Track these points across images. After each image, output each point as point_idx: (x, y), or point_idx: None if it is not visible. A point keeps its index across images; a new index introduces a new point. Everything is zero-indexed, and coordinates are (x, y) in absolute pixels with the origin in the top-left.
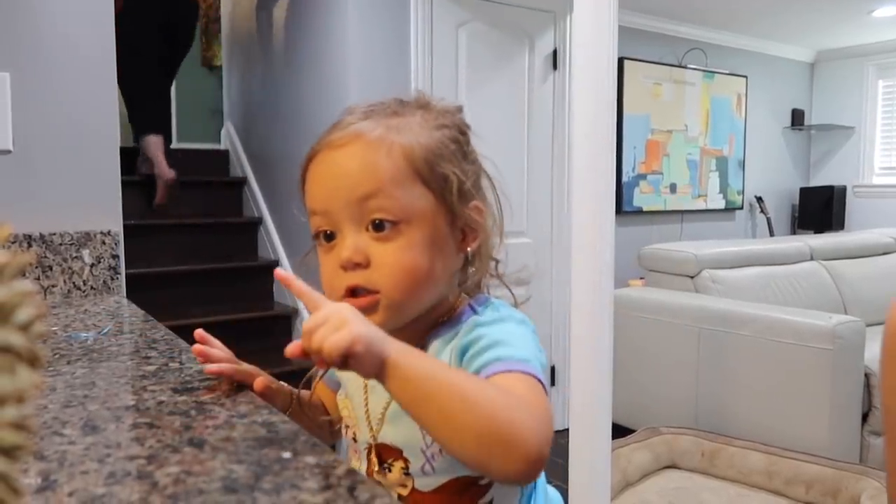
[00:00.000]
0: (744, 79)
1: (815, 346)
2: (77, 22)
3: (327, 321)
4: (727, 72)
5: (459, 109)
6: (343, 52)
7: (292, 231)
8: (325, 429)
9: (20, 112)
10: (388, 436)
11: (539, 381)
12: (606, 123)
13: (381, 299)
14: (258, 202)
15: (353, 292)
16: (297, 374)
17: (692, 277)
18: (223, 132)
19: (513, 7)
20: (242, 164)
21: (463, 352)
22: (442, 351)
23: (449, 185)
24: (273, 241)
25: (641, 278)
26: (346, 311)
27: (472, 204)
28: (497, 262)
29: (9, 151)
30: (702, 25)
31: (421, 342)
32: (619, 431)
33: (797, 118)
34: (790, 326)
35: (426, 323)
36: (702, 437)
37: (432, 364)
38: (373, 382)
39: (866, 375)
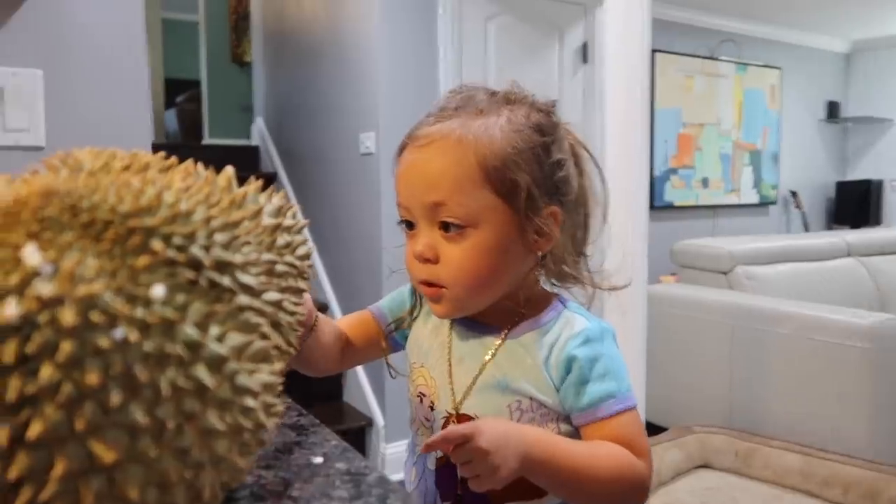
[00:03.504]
0: (778, 70)
1: (854, 344)
2: (108, 18)
3: (485, 458)
4: (761, 63)
5: (549, 106)
6: (371, 45)
7: (323, 226)
8: (330, 354)
9: (53, 109)
10: (474, 407)
11: (637, 409)
12: (640, 118)
13: (445, 293)
14: (289, 198)
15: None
16: None
17: (726, 274)
18: (253, 128)
19: None
20: (273, 160)
21: (569, 362)
22: (538, 342)
23: (518, 192)
24: (304, 236)
25: (673, 274)
26: (500, 457)
27: (546, 210)
28: (585, 256)
29: (41, 148)
30: (735, 16)
31: (508, 326)
32: (651, 429)
33: (833, 110)
34: (827, 324)
35: (509, 310)
36: (736, 437)
37: (559, 473)
38: (460, 354)
39: None
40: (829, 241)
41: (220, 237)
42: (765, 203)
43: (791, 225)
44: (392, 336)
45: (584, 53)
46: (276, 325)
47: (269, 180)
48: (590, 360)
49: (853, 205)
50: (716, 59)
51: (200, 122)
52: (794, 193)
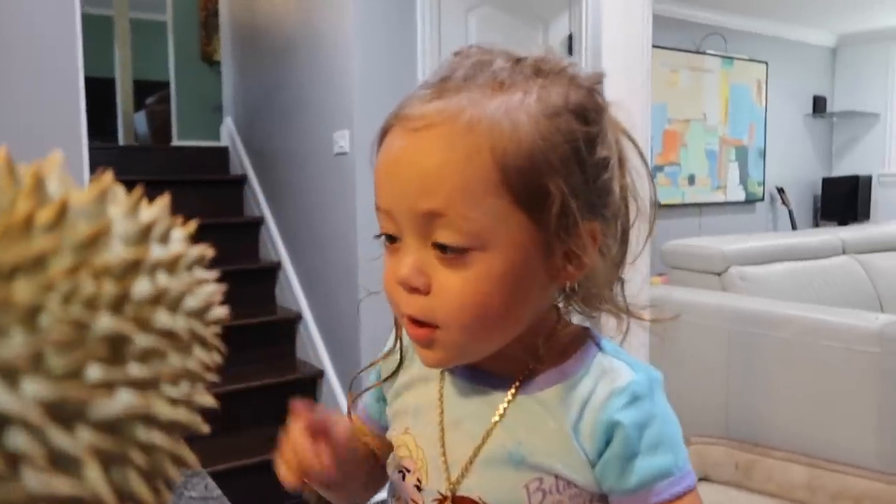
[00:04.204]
0: (764, 65)
1: (860, 348)
2: (37, 13)
3: None
4: (747, 58)
5: (595, 80)
6: (345, 39)
7: (295, 231)
8: (360, 476)
9: None
10: (476, 488)
11: (696, 487)
12: (641, 114)
13: (439, 335)
14: (259, 200)
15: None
16: (301, 382)
17: (719, 275)
18: (223, 128)
19: None
20: (243, 161)
21: (611, 428)
22: (563, 400)
23: (548, 203)
24: (275, 241)
25: (660, 275)
26: None
27: (585, 228)
28: (622, 281)
29: None
30: (720, 9)
31: (522, 375)
32: None
33: (819, 105)
34: (831, 327)
35: (523, 355)
36: (736, 448)
37: None
38: (456, 416)
39: None
40: (822, 239)
41: None
42: (751, 200)
43: (777, 222)
44: (365, 413)
45: (570, 46)
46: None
47: (239, 183)
48: (638, 426)
49: (840, 201)
50: (701, 52)
51: (170, 123)
52: (780, 190)
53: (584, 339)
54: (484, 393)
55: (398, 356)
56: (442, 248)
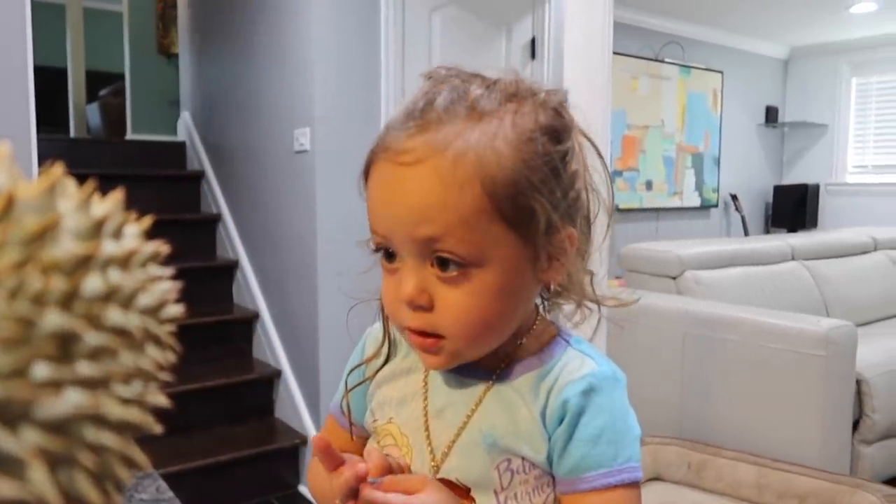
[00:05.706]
0: (719, 74)
1: (807, 351)
2: None
3: None
4: (703, 67)
5: (560, 99)
6: (307, 35)
7: (253, 229)
8: None
9: None
10: (456, 470)
11: (639, 483)
12: (602, 119)
13: (445, 344)
14: (217, 197)
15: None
16: (257, 382)
17: (674, 278)
18: (180, 122)
19: None
20: (200, 157)
21: (563, 408)
22: (535, 388)
23: (535, 220)
24: (232, 238)
25: (618, 278)
26: None
27: (563, 233)
28: (592, 275)
29: None
30: (679, 19)
31: (504, 364)
32: None
33: (771, 115)
34: (780, 331)
35: (505, 349)
36: (688, 448)
37: None
38: (440, 405)
39: (857, 382)
40: (773, 245)
41: None
42: (706, 206)
43: (731, 228)
44: (342, 418)
45: (533, 49)
46: None
47: (196, 179)
48: (584, 413)
49: (790, 208)
50: (660, 60)
51: (125, 116)
52: (734, 197)
53: (556, 334)
54: (466, 383)
55: (387, 349)
56: (442, 264)
